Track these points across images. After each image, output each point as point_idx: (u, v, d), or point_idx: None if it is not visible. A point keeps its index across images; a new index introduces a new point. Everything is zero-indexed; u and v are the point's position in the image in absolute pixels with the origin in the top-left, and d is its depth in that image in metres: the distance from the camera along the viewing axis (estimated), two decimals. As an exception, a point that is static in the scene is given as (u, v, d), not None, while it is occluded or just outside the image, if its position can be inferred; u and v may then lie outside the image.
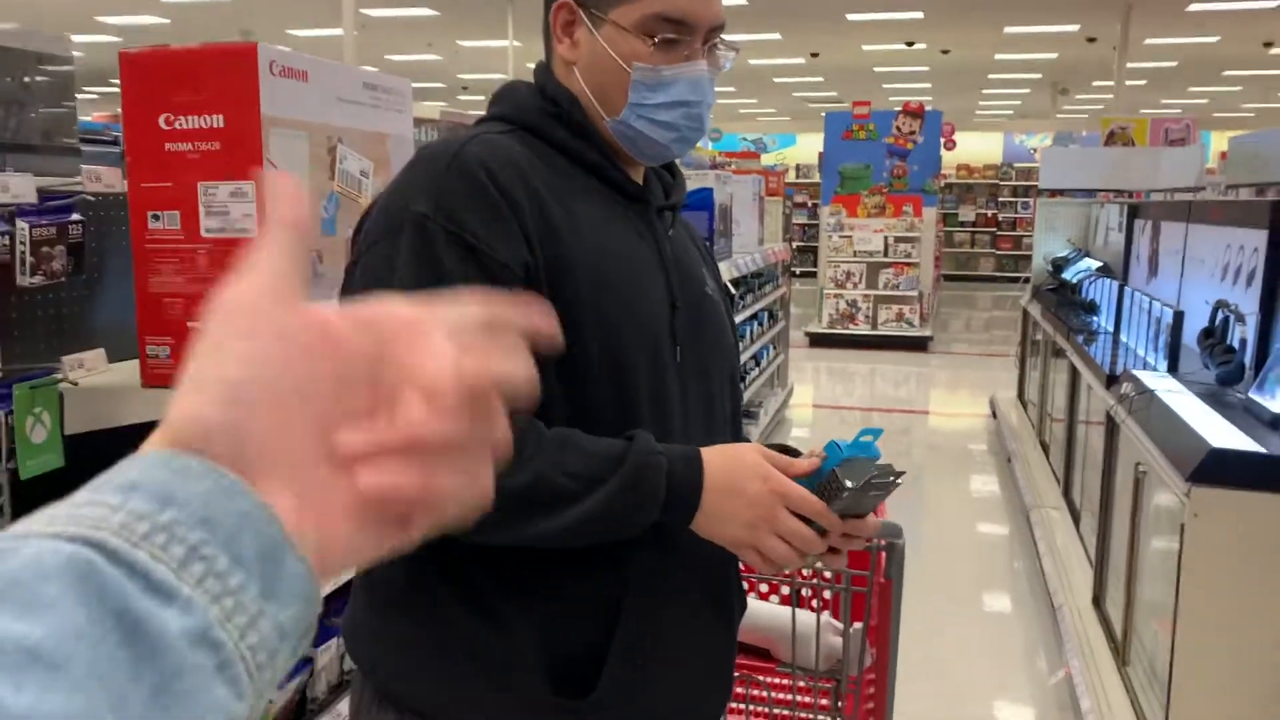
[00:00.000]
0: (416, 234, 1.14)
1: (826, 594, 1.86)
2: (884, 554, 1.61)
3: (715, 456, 1.18)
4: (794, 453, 1.27)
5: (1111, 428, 3.63)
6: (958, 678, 3.86)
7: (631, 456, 1.14)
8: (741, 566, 1.42)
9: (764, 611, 1.77)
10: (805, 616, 1.71)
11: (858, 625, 1.65)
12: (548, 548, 1.16)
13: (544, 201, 1.19)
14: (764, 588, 1.90)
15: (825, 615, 1.72)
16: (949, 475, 6.89)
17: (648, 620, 1.23)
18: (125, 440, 1.39)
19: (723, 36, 1.31)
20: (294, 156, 1.63)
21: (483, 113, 1.36)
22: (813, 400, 9.43)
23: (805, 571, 1.70)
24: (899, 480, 1.18)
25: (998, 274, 19.90)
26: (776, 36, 15.51)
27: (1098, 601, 3.76)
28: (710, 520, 1.17)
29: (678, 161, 1.48)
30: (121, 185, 1.84)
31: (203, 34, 15.69)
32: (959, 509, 6.13)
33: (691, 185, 4.78)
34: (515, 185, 1.18)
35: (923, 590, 4.75)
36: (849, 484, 1.13)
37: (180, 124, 1.56)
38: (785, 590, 1.90)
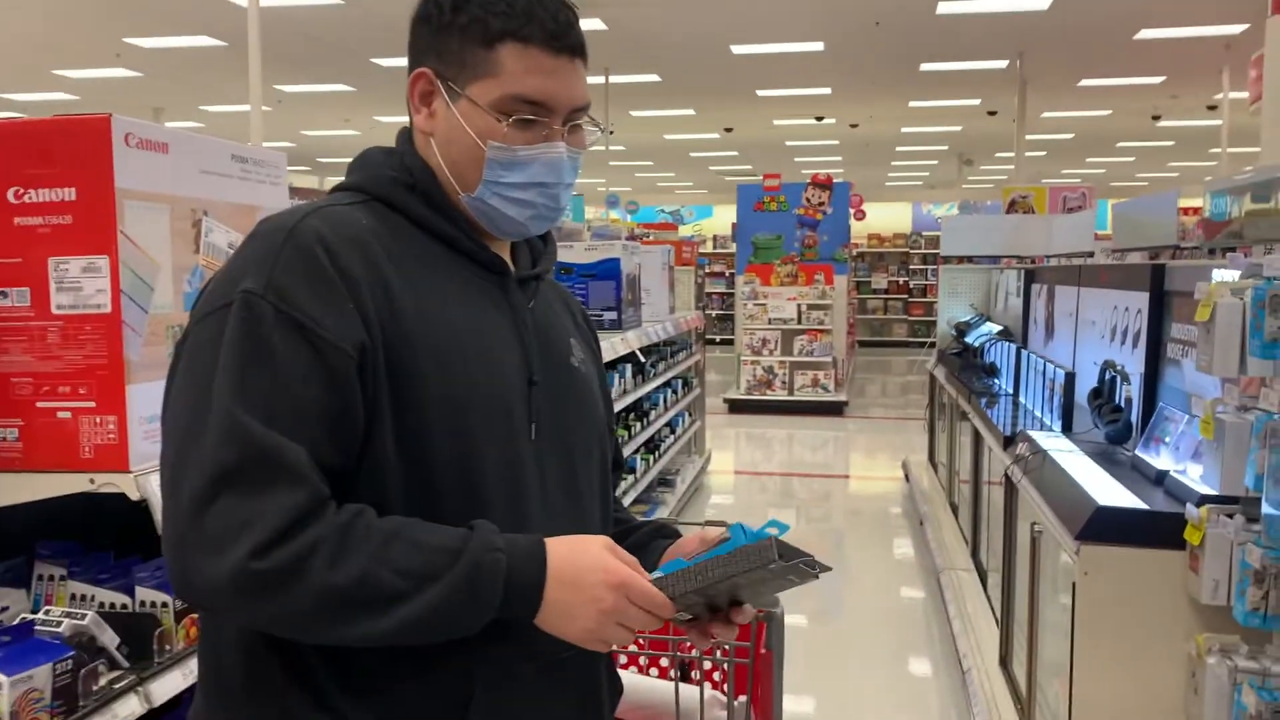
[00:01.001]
0: (243, 311, 1.09)
1: (707, 664, 1.82)
2: (764, 625, 1.59)
3: (559, 551, 1.12)
4: (718, 524, 1.24)
5: (1010, 488, 3.68)
6: (871, 745, 3.83)
7: (468, 553, 1.08)
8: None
9: (644, 687, 1.73)
10: (688, 691, 1.68)
11: (742, 698, 1.62)
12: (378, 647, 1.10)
13: (386, 277, 1.15)
14: (643, 660, 1.86)
15: (709, 689, 1.69)
16: (867, 540, 6.92)
17: None
18: None
19: (589, 115, 1.28)
20: (153, 230, 1.59)
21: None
22: (733, 466, 9.45)
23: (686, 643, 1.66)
24: (818, 572, 1.14)
25: (910, 339, 20.33)
26: (690, 112, 15.83)
27: (1004, 662, 3.78)
28: (553, 617, 1.12)
29: (552, 230, 1.45)
30: None
31: (113, 111, 15.47)
32: (877, 573, 6.15)
33: (597, 255, 4.82)
34: (353, 262, 1.13)
35: (841, 656, 4.74)
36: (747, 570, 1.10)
37: (30, 197, 1.51)
38: (665, 662, 1.87)
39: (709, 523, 1.51)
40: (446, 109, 1.22)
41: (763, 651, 1.62)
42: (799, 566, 1.11)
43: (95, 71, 12.81)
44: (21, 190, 1.51)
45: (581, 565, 1.11)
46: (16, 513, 1.69)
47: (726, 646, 1.59)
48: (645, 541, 1.42)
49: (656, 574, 1.14)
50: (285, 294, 1.09)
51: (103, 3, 9.68)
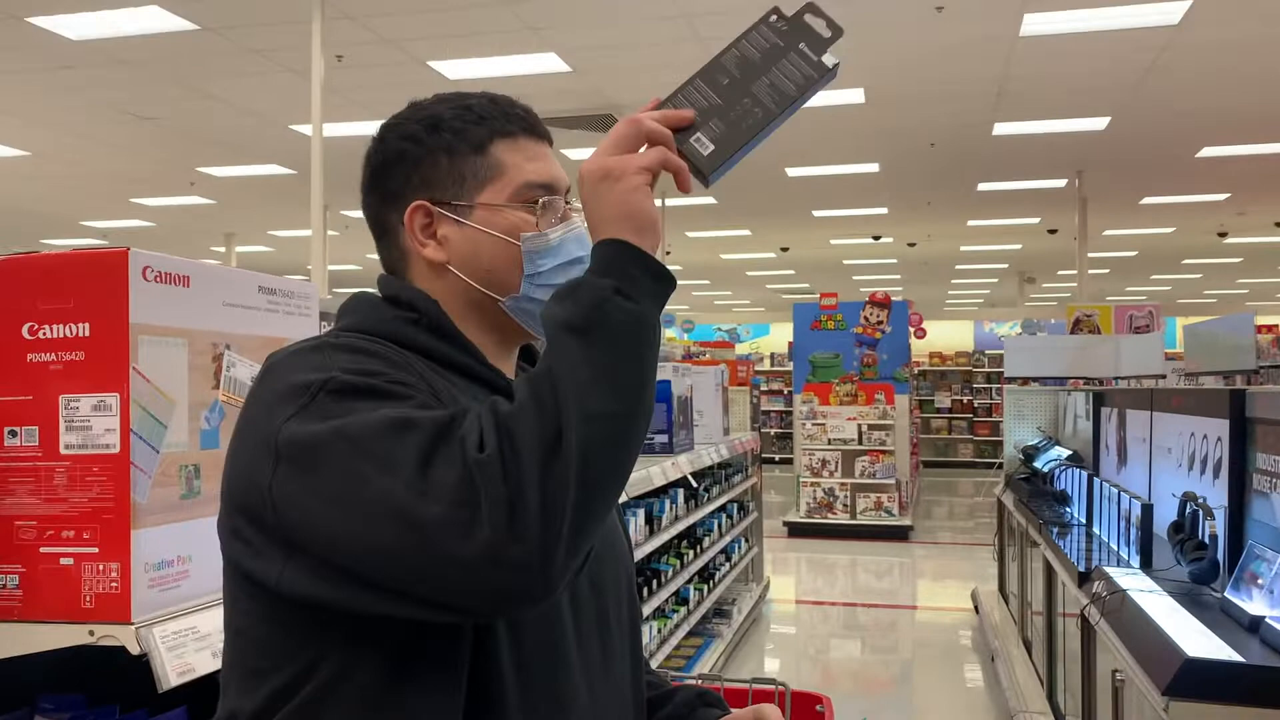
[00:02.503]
0: (324, 394, 0.99)
1: None
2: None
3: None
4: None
5: (1087, 629, 3.44)
6: None
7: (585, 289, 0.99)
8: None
9: None
10: None
11: None
12: None
13: (429, 380, 1.10)
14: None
15: None
16: (935, 674, 6.58)
17: None
18: None
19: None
20: (169, 365, 1.52)
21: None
22: (794, 595, 9.14)
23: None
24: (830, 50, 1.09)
25: (977, 459, 19.86)
26: (747, 233, 15.97)
27: (1089, 821, 3.48)
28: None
29: None
30: None
31: (187, 237, 16.05)
32: (947, 711, 5.81)
33: (648, 379, 4.73)
34: (400, 366, 1.09)
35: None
36: None
37: (44, 333, 1.46)
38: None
39: (756, 681, 1.37)
40: (458, 229, 1.19)
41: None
42: (807, 29, 1.05)
43: (171, 200, 13.31)
44: (36, 326, 1.46)
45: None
46: (20, 663, 1.60)
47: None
48: (685, 714, 1.31)
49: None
50: (358, 370, 1.03)
51: (178, 135, 10.09)
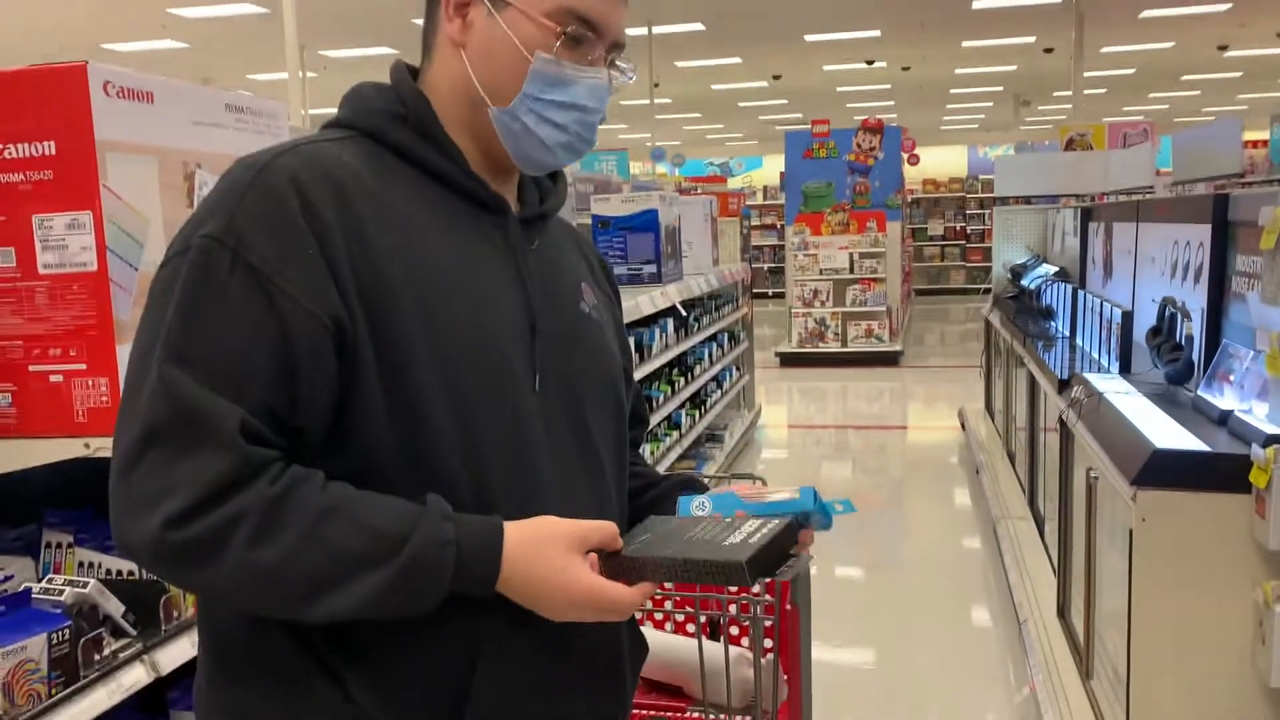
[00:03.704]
0: (199, 256, 1.02)
1: (734, 628, 1.75)
2: (788, 581, 1.50)
3: (519, 550, 1.05)
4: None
5: (1065, 433, 3.54)
6: (928, 697, 3.75)
7: (412, 543, 1.00)
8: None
9: (670, 646, 1.66)
10: (714, 650, 1.60)
11: (769, 657, 1.54)
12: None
13: (361, 219, 1.07)
14: (666, 612, 1.79)
15: (737, 648, 1.61)
16: (923, 491, 6.80)
17: (507, 689, 1.11)
18: None
19: (621, 59, 1.21)
20: (140, 183, 1.53)
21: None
22: (786, 421, 9.34)
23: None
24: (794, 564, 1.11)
25: (970, 286, 19.93)
26: (737, 60, 15.55)
27: (1062, 612, 3.66)
28: (520, 602, 1.07)
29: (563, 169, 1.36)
30: None
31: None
32: (934, 524, 6.04)
33: (635, 207, 4.71)
34: (325, 203, 1.05)
35: (898, 608, 4.65)
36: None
37: (9, 153, 1.46)
38: (689, 620, 1.79)
39: (735, 476, 1.41)
40: (488, 18, 1.14)
41: (788, 608, 1.54)
42: (782, 563, 1.07)
43: (144, 44, 12.91)
44: (0, 146, 1.46)
45: (540, 576, 1.05)
46: (25, 480, 1.66)
47: (747, 603, 1.50)
48: (667, 494, 1.36)
49: (641, 540, 1.07)
50: (245, 239, 1.02)
51: (143, -27, 9.71)
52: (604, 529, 1.08)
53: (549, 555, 1.05)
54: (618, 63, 1.21)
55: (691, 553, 1.04)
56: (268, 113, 1.84)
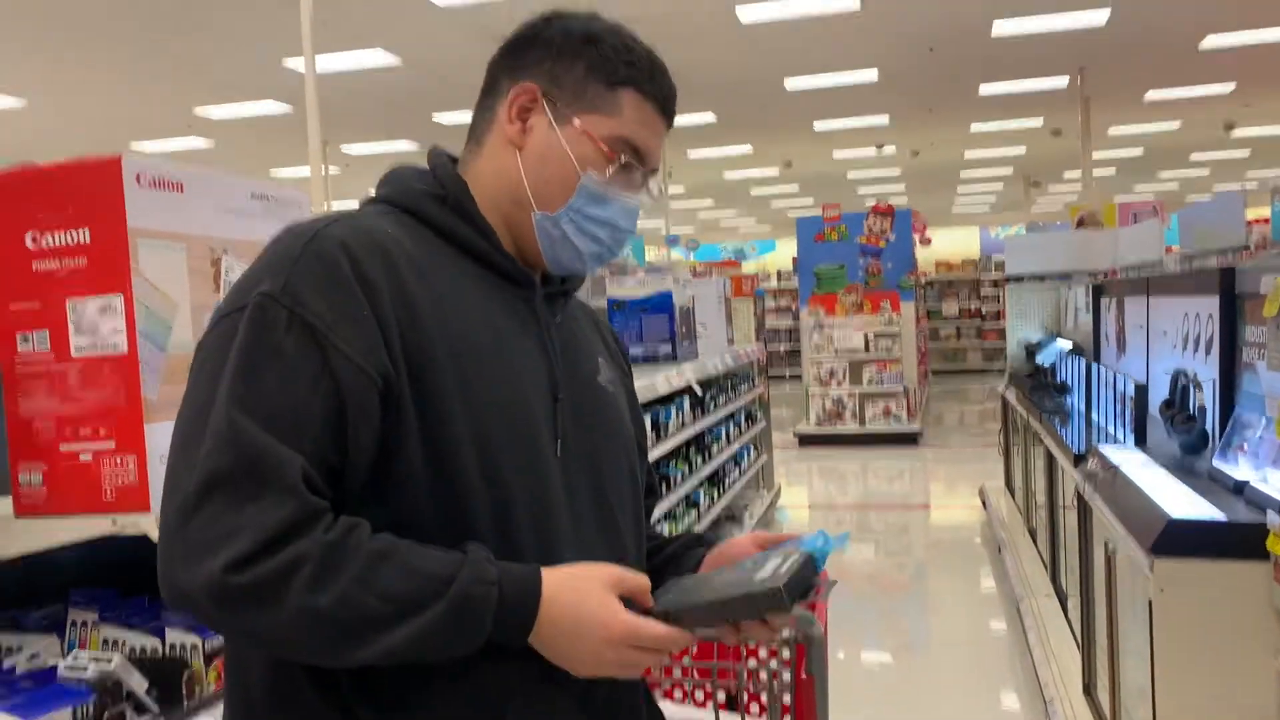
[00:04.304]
0: (257, 313, 1.08)
1: (749, 695, 1.75)
2: (803, 648, 1.51)
3: (558, 593, 1.09)
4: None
5: (1083, 507, 3.53)
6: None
7: (458, 582, 1.04)
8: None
9: (685, 718, 1.66)
10: (730, 720, 1.60)
11: (786, 726, 1.54)
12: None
13: (407, 285, 1.14)
14: (678, 683, 1.79)
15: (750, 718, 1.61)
16: (947, 571, 6.73)
17: None
18: (1, 576, 1.29)
19: (675, 187, 1.35)
20: (169, 268, 1.59)
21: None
22: (806, 500, 9.29)
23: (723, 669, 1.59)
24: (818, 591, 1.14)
25: (986, 366, 19.92)
26: (748, 149, 15.84)
27: (1089, 689, 3.60)
28: (550, 652, 1.09)
29: None
30: None
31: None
32: (958, 605, 5.96)
33: (650, 289, 4.79)
34: (374, 268, 1.12)
35: (924, 691, 4.58)
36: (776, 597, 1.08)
37: (47, 241, 1.52)
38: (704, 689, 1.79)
39: (729, 519, 1.45)
40: (549, 128, 1.23)
41: (804, 677, 1.54)
42: (811, 591, 1.10)
43: (170, 142, 13.27)
44: (38, 235, 1.52)
45: (581, 615, 1.08)
46: (53, 560, 1.69)
47: (763, 674, 1.51)
48: (680, 553, 1.40)
49: (668, 596, 1.11)
50: (301, 298, 1.08)
51: (174, 75, 10.04)
52: (639, 577, 1.13)
53: (586, 590, 1.09)
54: (649, 184, 1.31)
55: (726, 592, 1.09)
56: (292, 201, 1.92)
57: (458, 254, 1.23)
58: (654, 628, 1.08)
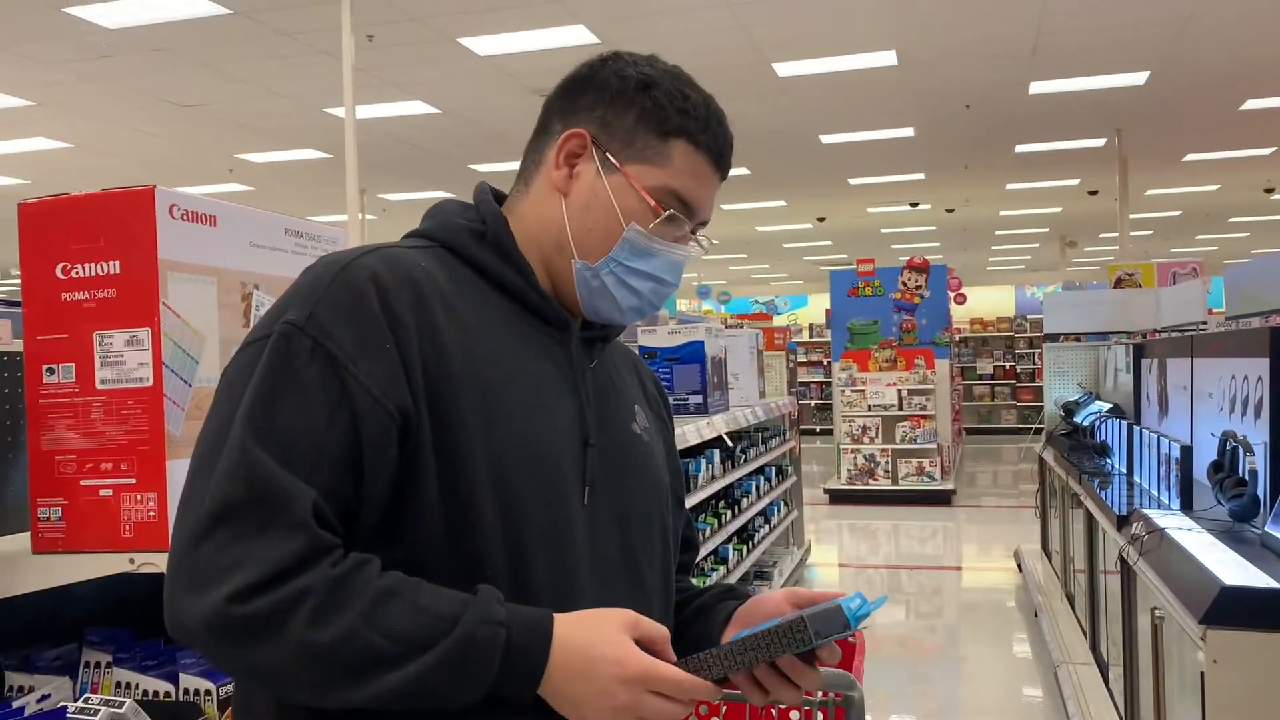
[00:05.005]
0: (280, 342, 1.05)
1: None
2: (842, 711, 1.44)
3: (570, 633, 1.03)
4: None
5: (1126, 572, 3.42)
6: None
7: (464, 623, 0.99)
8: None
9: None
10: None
11: (821, 795, 1.47)
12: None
13: (436, 321, 1.11)
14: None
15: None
16: (981, 635, 6.56)
17: None
18: (11, 612, 1.25)
19: (703, 233, 1.29)
20: (199, 303, 1.56)
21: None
22: (836, 559, 9.14)
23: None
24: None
25: (1021, 426, 19.66)
26: (782, 203, 15.88)
27: (1132, 765, 3.46)
28: (558, 704, 1.03)
29: None
30: (11, 341, 1.79)
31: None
32: (993, 671, 5.80)
33: (681, 339, 4.75)
34: (402, 302, 1.09)
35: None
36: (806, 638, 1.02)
37: (77, 272, 1.50)
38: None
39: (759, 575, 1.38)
40: (595, 175, 1.21)
41: (841, 743, 1.47)
42: (840, 631, 1.03)
43: (212, 187, 13.48)
44: (69, 266, 1.50)
45: (593, 653, 1.02)
46: (68, 598, 1.65)
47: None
48: (712, 604, 1.34)
49: (689, 658, 1.05)
50: (325, 328, 1.05)
51: (216, 122, 10.21)
52: (656, 625, 1.07)
53: (600, 631, 1.03)
54: (699, 236, 1.27)
55: (749, 634, 1.03)
56: (327, 238, 1.89)
57: (493, 291, 1.20)
58: (672, 670, 1.02)
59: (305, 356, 1.04)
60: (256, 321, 1.15)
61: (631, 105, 1.20)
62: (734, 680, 1.14)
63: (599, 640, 1.03)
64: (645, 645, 1.05)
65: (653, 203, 1.19)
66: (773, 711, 1.73)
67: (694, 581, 1.46)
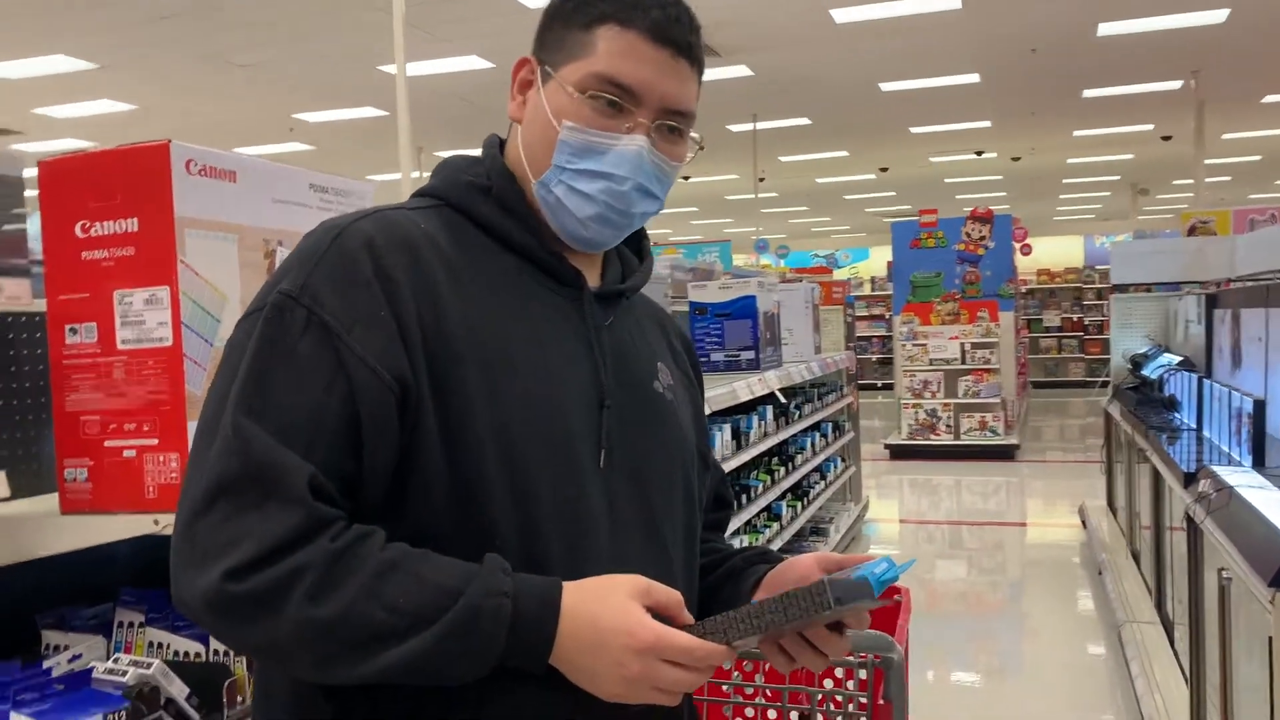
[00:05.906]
0: (273, 314, 1.02)
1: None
2: (880, 672, 1.38)
3: (579, 604, 0.99)
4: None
5: (1193, 530, 3.30)
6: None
7: (468, 595, 0.95)
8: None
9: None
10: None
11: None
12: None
13: (435, 284, 1.06)
14: (750, 710, 1.67)
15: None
16: (1043, 592, 6.45)
17: None
18: (49, 571, 1.25)
19: (693, 133, 1.18)
20: (219, 260, 1.53)
21: None
22: (896, 515, 9.04)
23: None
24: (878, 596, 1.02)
25: (1088, 379, 19.24)
26: (843, 154, 15.59)
27: (1197, 727, 3.36)
28: (573, 672, 0.99)
29: (650, 244, 1.33)
30: (32, 301, 1.78)
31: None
32: (1055, 628, 5.69)
33: (732, 294, 4.66)
34: (399, 266, 1.05)
35: (1020, 716, 4.36)
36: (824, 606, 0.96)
37: (96, 231, 1.48)
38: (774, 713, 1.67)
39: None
40: (534, 94, 1.16)
41: (880, 703, 1.41)
42: (863, 598, 0.97)
43: (272, 147, 13.60)
44: (88, 224, 1.48)
45: (601, 624, 0.98)
46: (104, 558, 1.65)
47: (839, 698, 1.39)
48: (742, 567, 1.29)
49: (705, 621, 0.99)
50: (319, 297, 1.02)
51: (274, 82, 10.26)
52: (669, 590, 1.03)
53: (609, 599, 0.99)
54: (691, 134, 1.18)
55: (766, 598, 0.98)
56: (355, 193, 1.85)
57: (501, 249, 1.15)
58: (684, 638, 0.98)
59: (299, 327, 1.01)
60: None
61: (558, 16, 1.16)
62: (760, 646, 1.09)
63: (607, 610, 0.98)
64: (659, 611, 1.00)
65: (575, 94, 1.11)
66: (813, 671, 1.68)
67: (742, 541, 1.41)
